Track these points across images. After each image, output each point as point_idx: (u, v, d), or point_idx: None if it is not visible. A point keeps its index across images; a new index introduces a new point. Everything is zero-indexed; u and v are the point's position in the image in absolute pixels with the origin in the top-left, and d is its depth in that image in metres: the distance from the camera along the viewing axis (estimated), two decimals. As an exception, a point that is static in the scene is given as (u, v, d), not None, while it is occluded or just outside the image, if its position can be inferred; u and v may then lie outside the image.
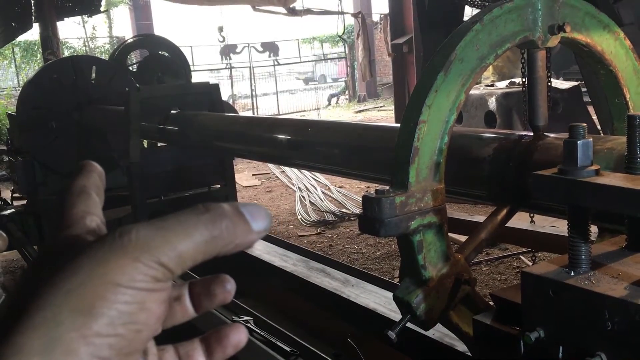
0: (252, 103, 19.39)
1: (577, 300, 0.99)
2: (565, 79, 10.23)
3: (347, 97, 22.73)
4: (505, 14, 1.42)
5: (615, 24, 1.75)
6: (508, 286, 1.29)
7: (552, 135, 1.62)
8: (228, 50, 20.04)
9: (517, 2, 1.44)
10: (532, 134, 1.62)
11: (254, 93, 19.55)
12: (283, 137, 2.67)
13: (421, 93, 1.36)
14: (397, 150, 1.37)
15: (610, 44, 1.62)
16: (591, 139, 1.05)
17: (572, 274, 1.03)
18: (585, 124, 1.04)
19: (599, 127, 3.80)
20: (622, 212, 0.99)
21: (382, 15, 18.81)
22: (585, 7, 1.55)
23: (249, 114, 17.97)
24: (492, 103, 7.19)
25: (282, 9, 11.19)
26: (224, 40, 19.45)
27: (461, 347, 2.35)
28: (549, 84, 1.62)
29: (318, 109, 20.56)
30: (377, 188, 1.36)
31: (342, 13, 14.11)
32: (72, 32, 19.70)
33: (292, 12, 11.64)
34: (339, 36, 16.81)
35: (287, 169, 9.34)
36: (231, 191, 4.11)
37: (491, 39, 1.41)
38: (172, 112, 3.82)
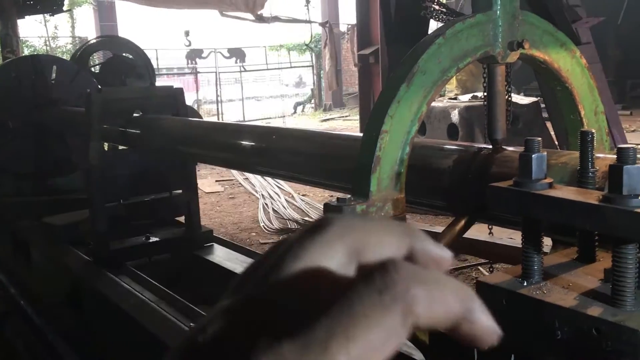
0: (217, 109, 19.28)
1: (529, 309, 1.01)
2: (526, 95, 10.48)
3: (312, 105, 22.80)
4: (467, 28, 1.45)
5: (573, 42, 1.81)
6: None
7: (510, 148, 1.66)
8: (194, 55, 19.90)
9: (479, 18, 1.48)
10: (491, 146, 1.65)
11: (219, 99, 19.44)
12: (247, 143, 2.67)
13: (384, 104, 1.38)
14: (360, 159, 1.38)
15: (567, 61, 1.67)
16: (545, 153, 1.08)
17: (525, 284, 1.06)
18: (540, 138, 1.07)
19: (556, 142, 3.91)
20: (572, 224, 1.02)
21: (349, 26, 18.96)
22: (544, 25, 1.60)
23: (214, 119, 17.86)
24: (454, 116, 7.31)
25: (249, 16, 11.18)
26: (189, 45, 19.31)
27: (418, 355, 2.37)
28: (509, 98, 1.67)
29: (284, 116, 20.57)
30: (339, 196, 1.37)
31: (310, 22, 14.18)
32: (33, 30, 19.27)
33: (260, 19, 11.65)
34: (306, 45, 16.86)
35: (250, 176, 9.31)
36: (193, 197, 4.07)
37: (453, 52, 1.44)
38: (135, 115, 3.77)
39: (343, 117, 19.42)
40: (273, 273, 0.37)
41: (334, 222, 0.39)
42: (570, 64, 1.69)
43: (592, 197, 0.99)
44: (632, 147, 0.95)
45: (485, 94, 1.66)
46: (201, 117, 5.03)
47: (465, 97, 8.08)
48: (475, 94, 8.08)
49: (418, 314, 0.34)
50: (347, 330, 0.32)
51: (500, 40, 1.50)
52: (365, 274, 0.35)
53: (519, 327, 1.03)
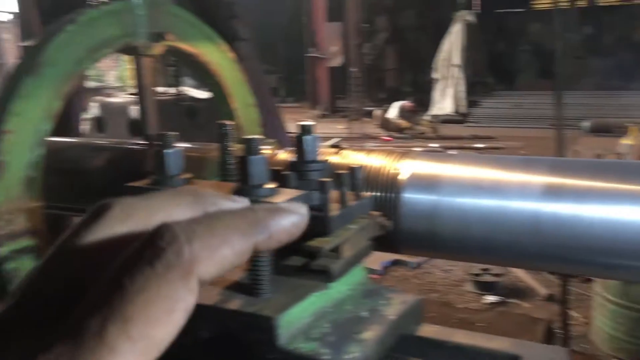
0: None
1: (175, 312, 0.97)
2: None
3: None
4: (103, 16, 1.35)
5: (235, 38, 1.85)
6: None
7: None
8: None
9: (117, 5, 1.38)
10: (147, 143, 1.58)
11: None
12: None
13: (5, 100, 1.18)
14: (-19, 165, 1.17)
15: (215, 55, 1.68)
16: (182, 148, 1.04)
17: (172, 285, 1.01)
18: (175, 133, 1.03)
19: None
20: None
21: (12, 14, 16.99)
22: (188, 17, 1.58)
23: None
24: (135, 111, 7.10)
25: None
26: None
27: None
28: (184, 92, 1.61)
29: None
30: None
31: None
32: None
33: None
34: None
35: None
36: None
37: (88, 42, 1.31)
38: None
39: None
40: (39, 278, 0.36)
41: (114, 205, 0.38)
42: (219, 58, 1.71)
43: (225, 189, 0.98)
44: (256, 138, 0.97)
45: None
46: None
47: (145, 92, 7.91)
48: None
49: (201, 271, 0.33)
50: (123, 311, 0.30)
51: (141, 30, 1.43)
52: (132, 249, 0.33)
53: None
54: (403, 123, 12.87)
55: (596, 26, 19.13)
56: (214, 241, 0.34)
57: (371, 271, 4.94)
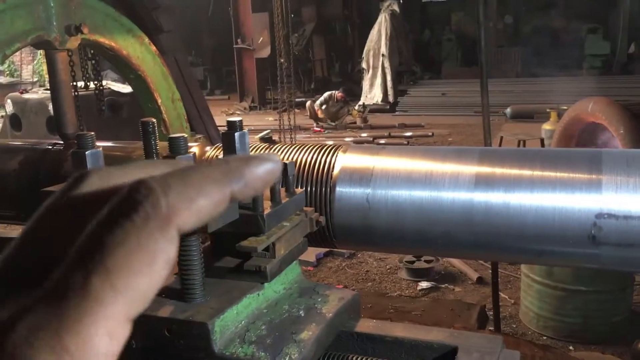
0: None
1: (101, 323, 0.91)
2: (131, 83, 10.41)
3: None
4: (10, 9, 1.25)
5: (155, 30, 1.77)
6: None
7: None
8: None
9: (26, -3, 1.29)
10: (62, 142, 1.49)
11: None
12: None
13: None
14: None
15: (136, 48, 1.61)
16: (100, 149, 0.98)
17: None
18: (92, 133, 0.97)
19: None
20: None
21: None
22: (105, 9, 1.49)
23: None
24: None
25: None
26: None
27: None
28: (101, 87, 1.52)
29: None
30: None
31: None
32: None
33: None
34: None
35: None
36: None
37: (-5, 36, 1.22)
38: None
39: None
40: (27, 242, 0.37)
41: (92, 173, 0.39)
42: (141, 51, 1.64)
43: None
44: (181, 136, 0.92)
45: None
46: None
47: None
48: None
49: (180, 222, 0.34)
50: (105, 263, 0.31)
51: (55, 23, 1.34)
52: (110, 204, 0.33)
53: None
54: (328, 114, 12.93)
55: (515, 15, 19.91)
56: (190, 192, 0.35)
57: (305, 263, 4.95)
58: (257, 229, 1.00)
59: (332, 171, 1.26)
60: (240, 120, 1.07)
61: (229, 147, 1.04)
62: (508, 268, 4.81)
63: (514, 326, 4.05)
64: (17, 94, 8.38)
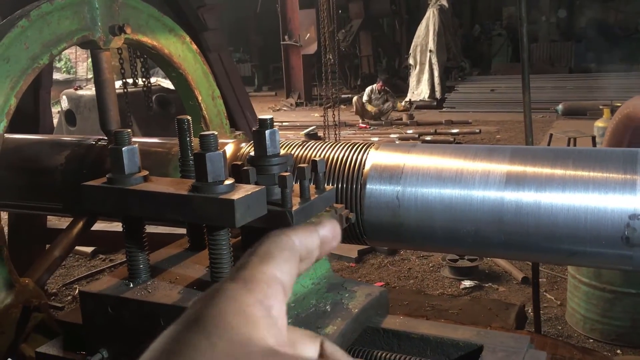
0: None
1: (135, 312, 0.95)
2: (180, 80, 10.60)
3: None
4: (57, 10, 1.31)
5: (199, 28, 1.81)
6: (73, 308, 1.21)
7: (135, 139, 1.59)
8: None
9: (72, -2, 1.34)
10: (106, 138, 1.55)
11: None
12: None
13: (-44, 98, 1.15)
14: None
15: (177, 47, 1.65)
16: (137, 145, 1.02)
17: (132, 285, 0.99)
18: (129, 130, 1.01)
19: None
20: (164, 217, 0.99)
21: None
22: (148, 9, 1.54)
23: None
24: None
25: None
26: None
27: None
28: (148, 84, 1.57)
29: None
30: None
31: None
32: None
33: None
34: None
35: None
36: None
37: (43, 37, 1.28)
38: None
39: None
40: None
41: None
42: (182, 50, 1.68)
43: (184, 187, 0.97)
44: (212, 134, 0.95)
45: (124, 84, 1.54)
46: None
47: (117, 83, 7.78)
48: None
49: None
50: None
51: (99, 24, 1.39)
52: None
53: (129, 334, 0.96)
54: (372, 108, 12.83)
55: (569, 9, 19.33)
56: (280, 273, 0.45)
57: (346, 259, 4.96)
58: (286, 225, 1.02)
59: (363, 168, 1.28)
60: (271, 118, 1.10)
61: (258, 145, 1.07)
62: (555, 269, 4.70)
63: (560, 328, 3.96)
64: (72, 90, 8.68)
